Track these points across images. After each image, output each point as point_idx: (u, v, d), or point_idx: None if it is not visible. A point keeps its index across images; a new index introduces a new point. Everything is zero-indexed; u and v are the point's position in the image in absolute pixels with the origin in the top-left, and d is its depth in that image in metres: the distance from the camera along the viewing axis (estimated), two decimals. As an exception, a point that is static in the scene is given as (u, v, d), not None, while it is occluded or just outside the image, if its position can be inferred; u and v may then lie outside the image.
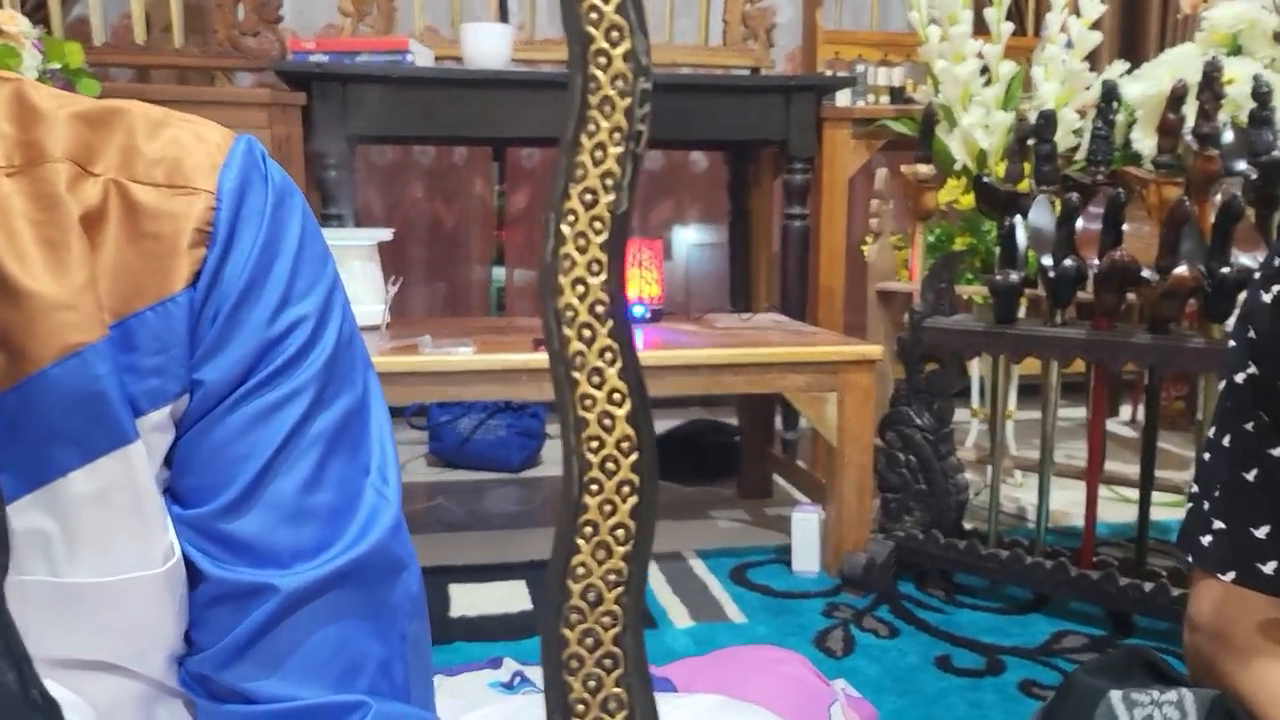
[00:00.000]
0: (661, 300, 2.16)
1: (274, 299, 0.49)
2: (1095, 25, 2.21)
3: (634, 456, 0.25)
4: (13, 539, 0.43)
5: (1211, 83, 1.69)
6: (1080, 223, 1.67)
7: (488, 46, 2.23)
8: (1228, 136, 1.75)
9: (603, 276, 0.24)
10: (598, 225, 0.24)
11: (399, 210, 3.08)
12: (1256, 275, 0.78)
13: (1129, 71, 2.21)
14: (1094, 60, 3.08)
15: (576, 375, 0.25)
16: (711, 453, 2.52)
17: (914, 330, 1.78)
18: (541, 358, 1.72)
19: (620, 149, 0.24)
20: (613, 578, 0.26)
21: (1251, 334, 0.76)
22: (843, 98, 2.52)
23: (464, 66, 2.26)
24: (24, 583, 0.44)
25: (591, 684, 0.26)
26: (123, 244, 0.46)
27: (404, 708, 0.49)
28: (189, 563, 0.48)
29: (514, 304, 3.15)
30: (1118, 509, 2.16)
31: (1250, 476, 0.75)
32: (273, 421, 0.48)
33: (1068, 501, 2.16)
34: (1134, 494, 1.74)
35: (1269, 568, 0.74)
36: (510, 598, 1.77)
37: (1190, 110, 1.75)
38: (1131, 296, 1.59)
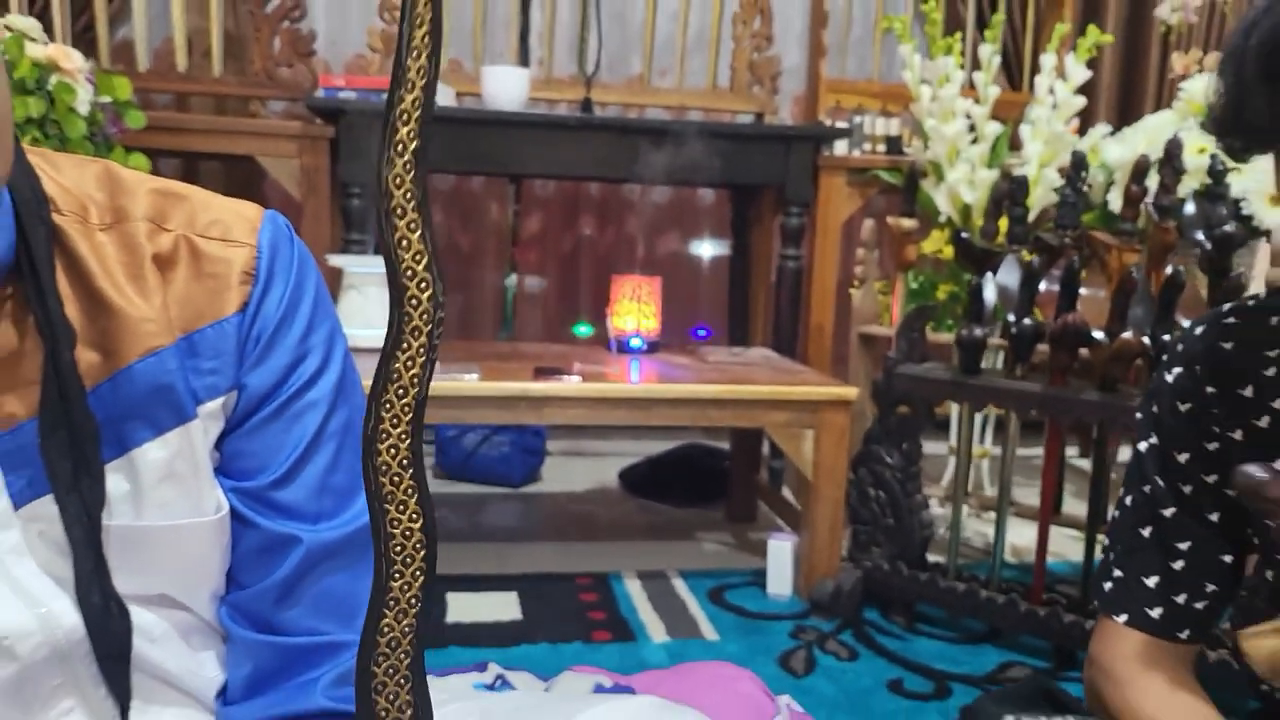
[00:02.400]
0: (658, 333, 2.30)
1: (300, 330, 0.66)
2: (1081, 90, 2.35)
3: (424, 552, 0.40)
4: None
5: (1172, 159, 1.82)
6: (1044, 284, 1.81)
7: (507, 88, 2.38)
8: (1190, 208, 1.89)
9: (408, 441, 0.39)
10: (406, 409, 0.38)
11: (418, 231, 3.23)
12: (1164, 357, 0.91)
13: (1113, 133, 2.34)
14: (1090, 116, 3.23)
15: (389, 507, 0.39)
16: (702, 477, 2.66)
17: (887, 375, 1.92)
18: (540, 386, 1.87)
19: (424, 358, 0.38)
20: (407, 630, 0.41)
21: (1155, 409, 0.88)
22: (841, 145, 2.66)
23: (484, 105, 2.41)
24: (109, 527, 0.60)
25: (391, 697, 0.41)
26: (189, 280, 0.63)
27: None
28: (242, 519, 0.64)
29: (524, 309, 3.30)
30: (1078, 547, 2.28)
31: (1145, 533, 0.88)
32: (302, 423, 0.66)
33: (1033, 538, 2.28)
34: (1087, 536, 1.86)
35: (1155, 613, 0.86)
36: (503, 607, 1.91)
37: (1154, 181, 1.89)
38: (1085, 353, 1.72)
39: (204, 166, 2.87)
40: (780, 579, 2.01)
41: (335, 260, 2.10)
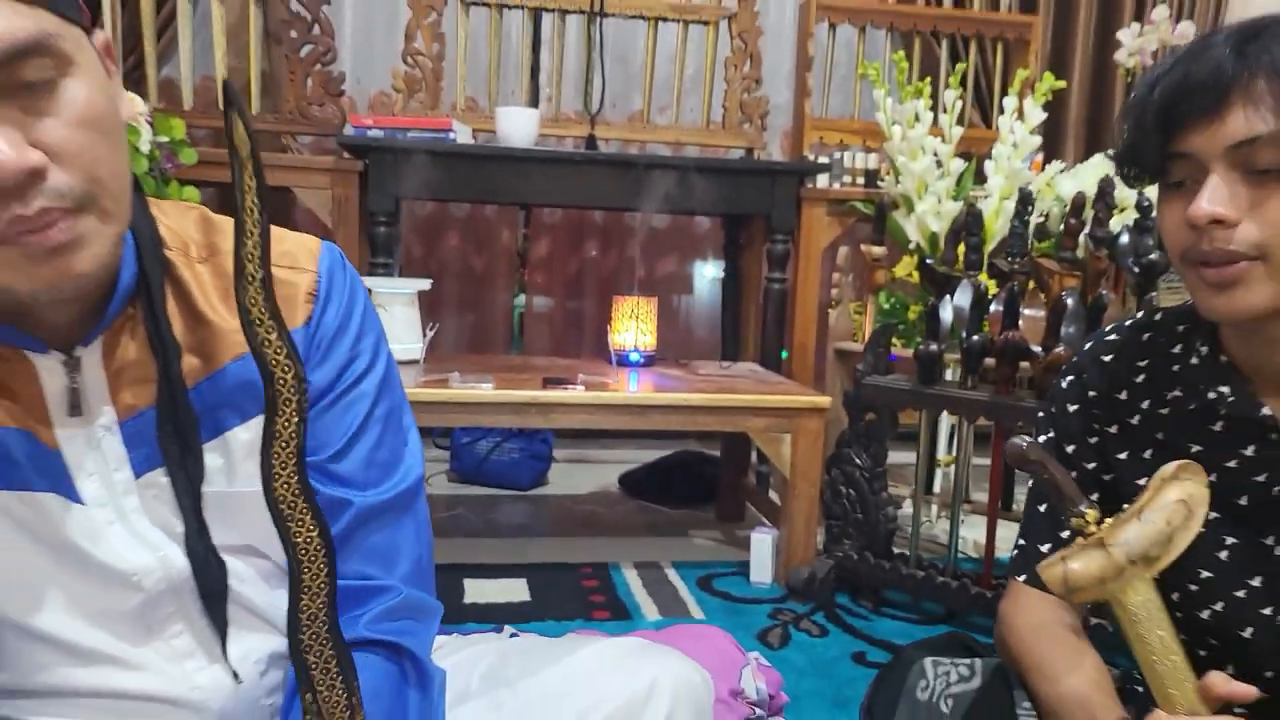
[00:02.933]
0: (654, 349, 2.55)
1: (351, 337, 0.82)
2: (1051, 126, 2.59)
3: (324, 550, 0.58)
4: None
5: (1105, 196, 2.07)
6: (996, 305, 2.05)
7: (518, 127, 2.64)
8: (1125, 239, 2.13)
9: (296, 477, 0.57)
10: (290, 455, 0.57)
11: (436, 254, 3.49)
12: (1063, 368, 1.14)
13: (1066, 169, 2.59)
14: (1059, 149, 3.48)
15: (290, 525, 0.57)
16: (695, 481, 2.89)
17: (857, 386, 2.15)
18: (548, 394, 2.11)
19: (297, 418, 0.55)
20: (321, 606, 0.58)
21: (1052, 409, 1.08)
22: (823, 179, 2.91)
23: (498, 143, 2.67)
24: (208, 494, 0.76)
25: (317, 654, 0.59)
26: (289, 308, 0.78)
27: (423, 595, 0.83)
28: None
29: (531, 326, 3.55)
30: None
31: (1041, 509, 1.08)
32: (353, 410, 0.81)
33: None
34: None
35: None
36: (513, 591, 2.14)
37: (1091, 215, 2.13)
38: (1026, 365, 1.96)
39: (240, 195, 3.11)
40: (762, 568, 2.24)
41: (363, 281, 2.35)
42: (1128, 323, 1.04)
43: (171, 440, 0.74)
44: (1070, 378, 1.05)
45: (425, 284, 2.37)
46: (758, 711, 1.39)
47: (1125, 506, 0.83)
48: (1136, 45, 3.11)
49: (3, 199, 0.60)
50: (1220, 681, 0.79)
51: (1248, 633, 0.92)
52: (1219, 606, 0.94)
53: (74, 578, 0.74)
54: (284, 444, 0.57)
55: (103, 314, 0.72)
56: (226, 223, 0.82)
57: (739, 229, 3.09)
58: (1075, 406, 1.03)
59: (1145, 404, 0.99)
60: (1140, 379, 0.99)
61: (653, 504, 2.87)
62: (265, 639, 0.81)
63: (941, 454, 2.77)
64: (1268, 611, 0.91)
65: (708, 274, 3.59)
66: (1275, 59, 0.82)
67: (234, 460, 0.77)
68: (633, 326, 2.52)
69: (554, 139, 3.09)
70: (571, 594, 2.15)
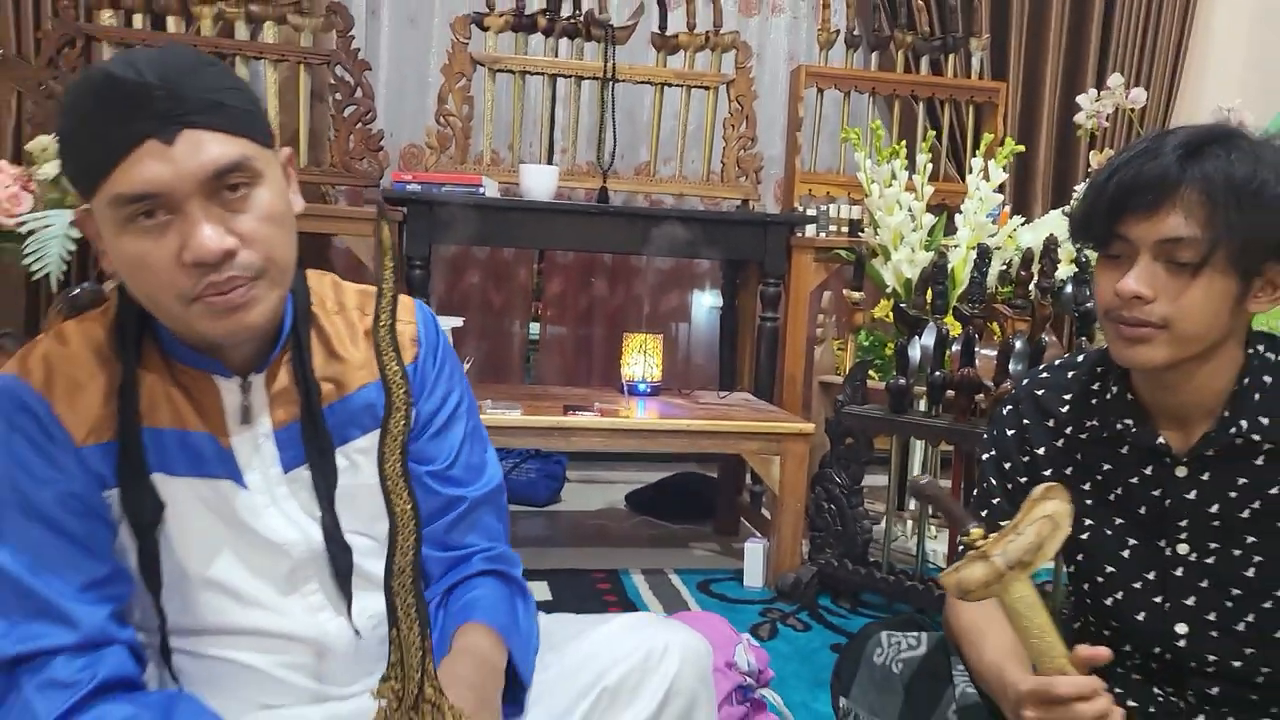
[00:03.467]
0: (660, 380, 2.87)
1: (446, 374, 1.10)
2: (1021, 179, 2.92)
3: (413, 522, 0.77)
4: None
5: (1050, 252, 2.39)
6: (955, 346, 2.37)
7: (539, 182, 2.97)
8: (1069, 289, 2.45)
9: (411, 507, 0.80)
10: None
11: (458, 290, 3.81)
12: (1005, 398, 1.36)
13: (1026, 223, 2.92)
14: (1029, 201, 3.81)
15: (394, 499, 0.80)
16: (695, 498, 3.20)
17: (837, 414, 2.47)
18: (568, 419, 2.42)
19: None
20: (406, 565, 0.78)
21: (994, 432, 1.24)
22: (811, 228, 3.24)
23: (521, 196, 3.00)
24: (337, 488, 1.02)
25: (403, 598, 0.79)
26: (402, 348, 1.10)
27: (512, 552, 1.16)
28: (429, 489, 1.07)
29: (542, 357, 3.89)
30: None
31: (984, 513, 1.23)
32: (454, 430, 1.10)
33: (962, 549, 2.82)
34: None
35: None
36: (537, 592, 2.39)
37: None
38: (981, 398, 2.28)
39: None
40: (754, 573, 2.55)
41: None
42: (1057, 363, 1.24)
43: (312, 447, 1.01)
44: (1009, 407, 1.24)
45: (458, 322, 2.69)
46: (749, 680, 1.69)
47: (1003, 524, 1.00)
48: (1094, 109, 3.46)
49: (204, 270, 0.87)
50: (1084, 650, 0.96)
51: (1141, 616, 1.14)
52: (1119, 595, 1.15)
53: (241, 544, 0.99)
54: (394, 439, 0.78)
55: (269, 353, 0.99)
56: (350, 285, 1.12)
57: (736, 270, 3.42)
58: (1012, 431, 1.22)
59: (1069, 430, 1.18)
60: (1065, 410, 1.19)
61: (657, 520, 3.18)
62: (378, 599, 1.05)
63: (916, 473, 3.09)
64: (1158, 599, 1.13)
65: (707, 309, 3.92)
66: (1209, 176, 0.99)
67: (356, 462, 1.03)
68: (641, 360, 2.84)
69: (569, 189, 3.42)
70: (588, 595, 2.45)
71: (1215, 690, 1.13)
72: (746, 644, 1.76)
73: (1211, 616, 1.11)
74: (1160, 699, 1.16)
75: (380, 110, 3.58)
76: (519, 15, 3.25)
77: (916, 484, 1.12)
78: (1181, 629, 1.12)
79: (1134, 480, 1.14)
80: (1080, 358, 1.22)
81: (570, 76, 3.31)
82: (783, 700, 1.84)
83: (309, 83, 3.20)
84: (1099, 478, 1.17)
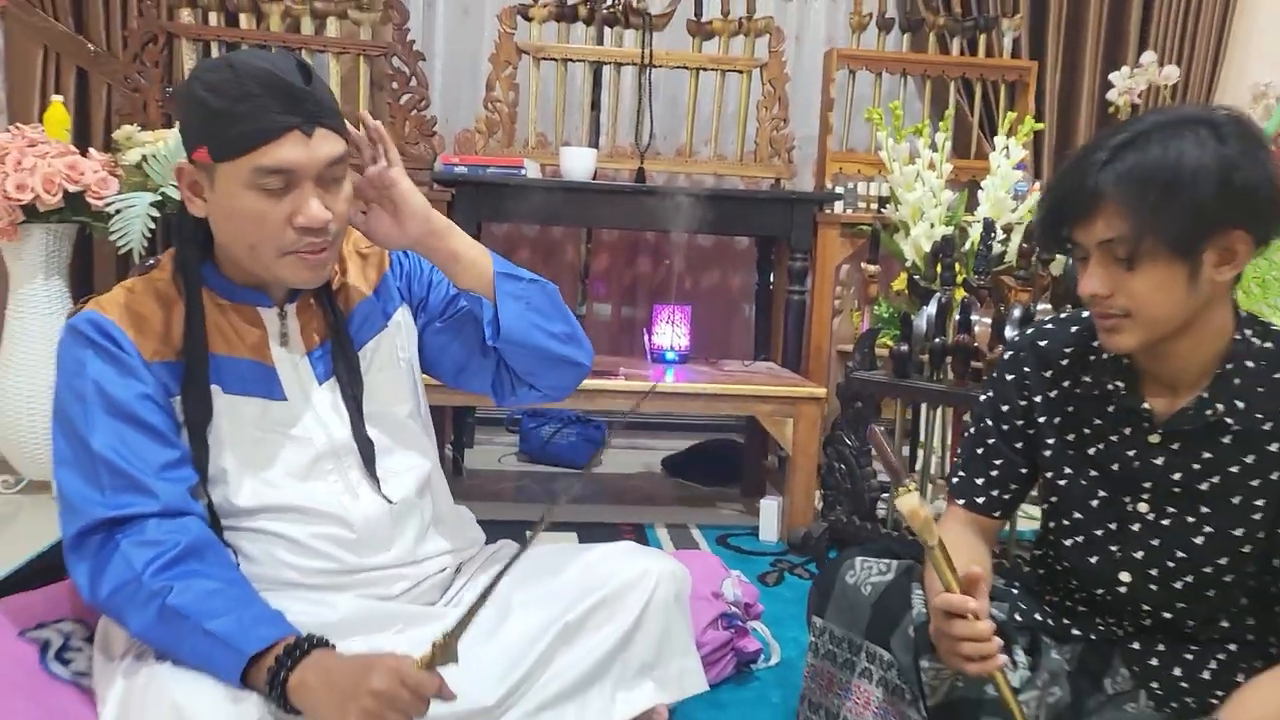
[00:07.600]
0: (688, 348, 3.05)
1: (426, 269, 1.39)
2: (1019, 165, 3.02)
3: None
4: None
5: (1052, 224, 2.50)
6: (957, 315, 2.50)
7: (579, 164, 3.17)
8: (1071, 260, 2.55)
9: None
10: None
11: (509, 267, 4.03)
12: (1007, 344, 1.40)
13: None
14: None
15: None
16: (725, 463, 3.38)
17: (847, 379, 2.62)
18: (612, 383, 2.62)
19: None
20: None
21: (994, 375, 1.34)
22: (838, 205, 3.37)
23: (562, 177, 3.20)
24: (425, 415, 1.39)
25: None
26: (374, 266, 1.35)
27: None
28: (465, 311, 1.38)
29: (591, 329, 4.07)
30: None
31: (979, 451, 1.34)
32: (448, 284, 1.38)
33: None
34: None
35: (980, 499, 1.34)
36: (565, 539, 2.66)
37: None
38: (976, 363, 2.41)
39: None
40: (769, 528, 2.72)
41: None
42: (1062, 316, 1.31)
43: (340, 362, 1.27)
44: (1010, 354, 1.32)
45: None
46: (734, 609, 1.87)
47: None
48: (1126, 86, 3.52)
49: (309, 233, 1.14)
50: (971, 571, 1.10)
51: (1093, 560, 1.25)
52: (1080, 539, 1.27)
53: (279, 442, 1.22)
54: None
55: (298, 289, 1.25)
56: (356, 235, 1.36)
57: (770, 246, 3.57)
58: (1011, 376, 1.30)
59: (1065, 383, 1.26)
60: (1064, 362, 1.26)
61: (688, 482, 3.37)
62: (398, 480, 1.29)
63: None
64: (1113, 548, 1.24)
65: (744, 284, 4.07)
66: (1123, 175, 1.05)
67: (370, 360, 1.31)
68: (669, 330, 3.03)
69: (611, 170, 3.61)
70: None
71: (1149, 623, 1.26)
72: (736, 580, 1.95)
73: (1154, 572, 1.22)
74: (1101, 627, 1.30)
75: (436, 97, 3.82)
76: (562, 5, 3.45)
77: (870, 431, 1.22)
78: (1125, 577, 1.25)
79: (1113, 438, 1.23)
80: (1084, 314, 1.27)
81: (611, 63, 3.49)
82: (772, 634, 2.01)
83: (368, 73, 3.45)
84: (1086, 431, 1.25)
